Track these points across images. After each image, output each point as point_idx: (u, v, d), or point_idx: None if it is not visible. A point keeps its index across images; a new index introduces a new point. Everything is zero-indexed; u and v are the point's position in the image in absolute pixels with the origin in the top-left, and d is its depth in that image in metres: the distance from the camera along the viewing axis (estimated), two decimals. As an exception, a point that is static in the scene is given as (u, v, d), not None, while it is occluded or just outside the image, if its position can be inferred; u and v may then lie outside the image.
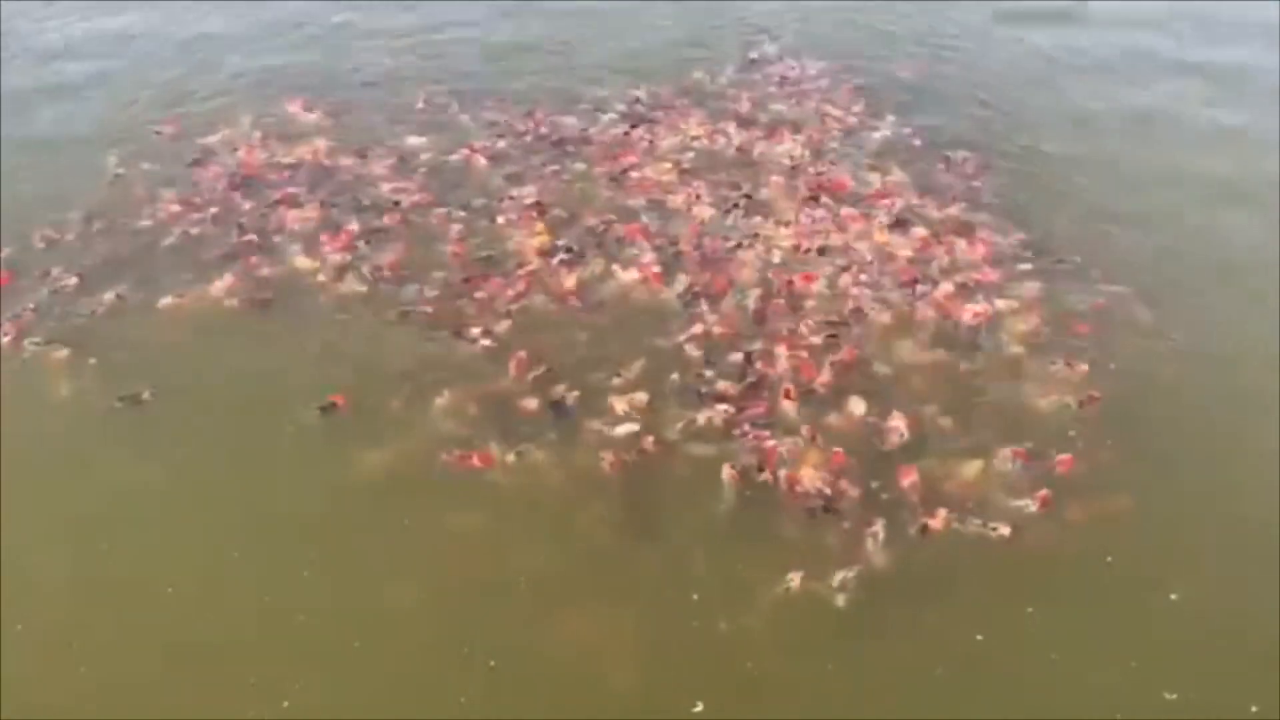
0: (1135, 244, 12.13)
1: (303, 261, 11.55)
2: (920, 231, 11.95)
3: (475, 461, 9.20)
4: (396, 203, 12.43)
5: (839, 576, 8.21)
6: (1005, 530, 8.62)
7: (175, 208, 12.37)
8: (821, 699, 7.58)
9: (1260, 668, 7.77)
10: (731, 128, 13.98)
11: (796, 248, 11.67)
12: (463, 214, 12.24)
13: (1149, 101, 15.19)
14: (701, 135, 13.82)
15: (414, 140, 13.71)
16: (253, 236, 11.88)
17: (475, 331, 10.60)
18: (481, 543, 8.66)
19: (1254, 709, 7.49)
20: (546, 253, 11.59)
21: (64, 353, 10.35)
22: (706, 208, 12.34)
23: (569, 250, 11.59)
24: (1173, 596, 8.26)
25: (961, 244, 11.76)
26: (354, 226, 11.99)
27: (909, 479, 8.98)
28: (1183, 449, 9.63)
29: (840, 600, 8.13)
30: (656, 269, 11.33)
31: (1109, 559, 8.54)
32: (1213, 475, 9.39)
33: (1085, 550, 8.61)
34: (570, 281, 11.21)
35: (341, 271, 11.40)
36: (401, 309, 10.92)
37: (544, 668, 7.77)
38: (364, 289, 11.19)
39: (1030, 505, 8.86)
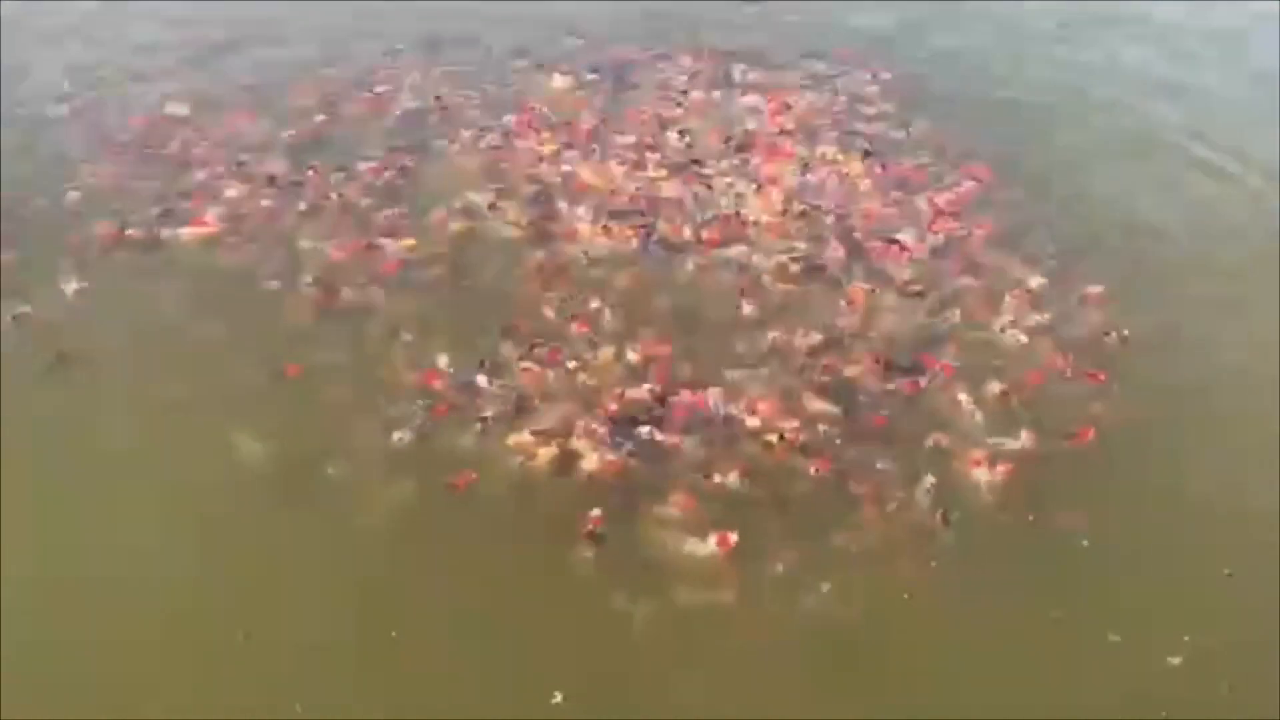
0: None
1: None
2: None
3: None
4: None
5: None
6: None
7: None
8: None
9: (1181, 601, 8.17)
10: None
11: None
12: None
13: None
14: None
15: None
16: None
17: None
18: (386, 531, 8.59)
19: (1186, 638, 7.81)
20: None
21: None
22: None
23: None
24: (1084, 543, 8.53)
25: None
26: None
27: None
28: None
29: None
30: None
31: (1031, 517, 8.76)
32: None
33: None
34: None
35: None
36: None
37: (438, 648, 7.77)
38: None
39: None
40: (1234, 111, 14.79)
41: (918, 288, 11.00)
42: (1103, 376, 10.02)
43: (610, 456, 9.01)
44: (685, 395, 9.58)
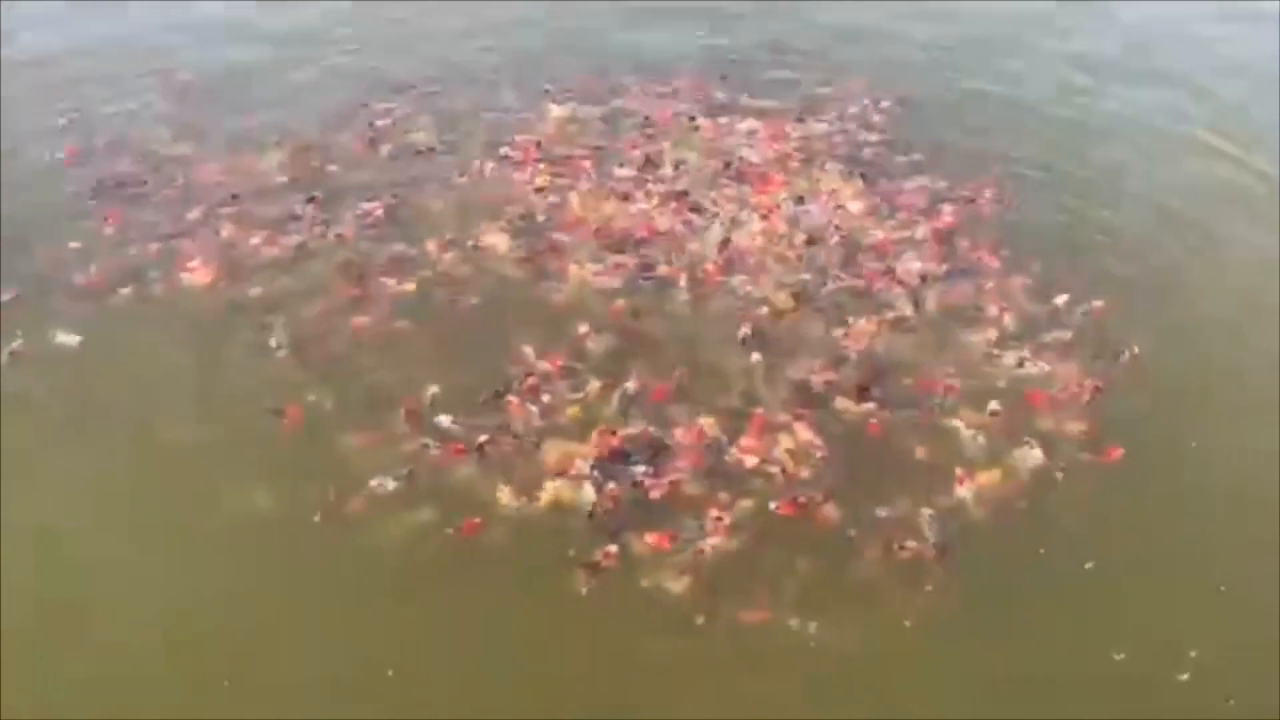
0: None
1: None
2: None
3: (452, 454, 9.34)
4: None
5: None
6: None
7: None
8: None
9: (1183, 619, 8.27)
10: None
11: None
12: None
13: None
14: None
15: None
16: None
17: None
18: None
19: (1193, 654, 7.89)
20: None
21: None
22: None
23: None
24: (1088, 565, 8.59)
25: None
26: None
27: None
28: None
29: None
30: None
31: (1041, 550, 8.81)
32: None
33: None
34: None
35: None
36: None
37: (435, 686, 7.85)
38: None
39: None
40: (1244, 105, 15.07)
41: (918, 312, 11.05)
42: (1108, 394, 10.06)
43: (609, 489, 9.03)
44: (682, 430, 9.60)
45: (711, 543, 8.65)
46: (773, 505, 8.98)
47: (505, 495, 9.01)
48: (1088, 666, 7.90)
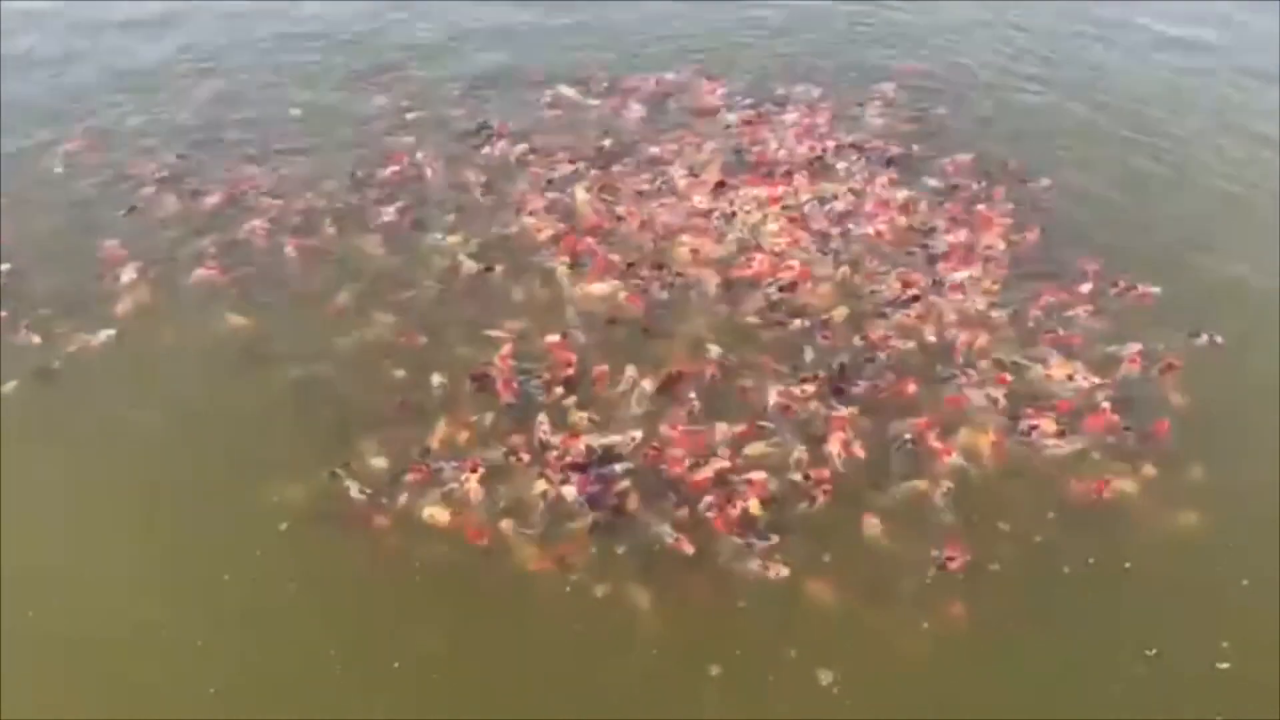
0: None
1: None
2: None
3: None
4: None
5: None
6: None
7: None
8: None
9: (1217, 614, 8.28)
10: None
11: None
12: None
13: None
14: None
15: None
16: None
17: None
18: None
19: (1224, 644, 7.97)
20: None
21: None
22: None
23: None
24: (1127, 565, 8.60)
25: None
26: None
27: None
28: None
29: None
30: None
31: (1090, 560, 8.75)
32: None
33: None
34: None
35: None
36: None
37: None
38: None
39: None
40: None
41: (957, 313, 10.98)
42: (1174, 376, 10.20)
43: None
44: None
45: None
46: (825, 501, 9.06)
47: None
48: (1119, 660, 7.96)
